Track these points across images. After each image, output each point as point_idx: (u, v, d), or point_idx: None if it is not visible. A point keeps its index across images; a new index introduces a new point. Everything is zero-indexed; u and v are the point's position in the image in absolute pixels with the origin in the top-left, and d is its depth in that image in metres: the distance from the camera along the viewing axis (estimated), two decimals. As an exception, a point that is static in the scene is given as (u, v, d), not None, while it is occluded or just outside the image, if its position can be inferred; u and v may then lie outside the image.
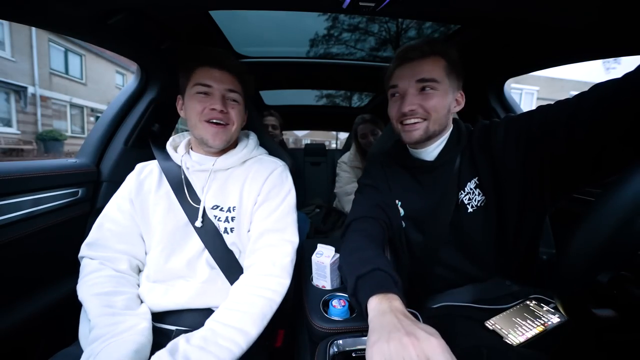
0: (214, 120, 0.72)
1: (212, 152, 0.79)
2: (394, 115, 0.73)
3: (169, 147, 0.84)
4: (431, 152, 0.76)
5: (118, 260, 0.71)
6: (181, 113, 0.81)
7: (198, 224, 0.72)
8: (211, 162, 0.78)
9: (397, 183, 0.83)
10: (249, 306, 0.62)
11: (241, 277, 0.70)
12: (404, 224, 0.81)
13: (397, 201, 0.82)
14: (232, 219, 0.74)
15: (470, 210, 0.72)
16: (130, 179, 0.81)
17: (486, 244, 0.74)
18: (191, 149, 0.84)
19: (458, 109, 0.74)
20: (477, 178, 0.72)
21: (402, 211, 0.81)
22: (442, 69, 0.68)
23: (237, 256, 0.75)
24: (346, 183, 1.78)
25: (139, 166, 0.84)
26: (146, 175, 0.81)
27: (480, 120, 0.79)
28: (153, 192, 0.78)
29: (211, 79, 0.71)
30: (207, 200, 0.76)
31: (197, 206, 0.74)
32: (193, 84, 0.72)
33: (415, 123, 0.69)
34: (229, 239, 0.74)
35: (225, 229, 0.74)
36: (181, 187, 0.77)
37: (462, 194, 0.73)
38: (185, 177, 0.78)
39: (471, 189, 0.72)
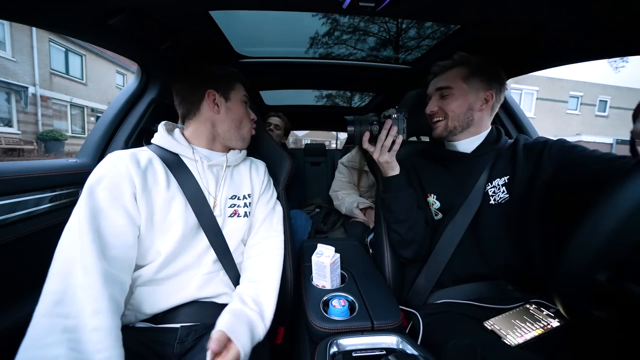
0: (253, 125, 0.92)
1: (220, 149, 0.86)
2: (428, 116, 0.89)
3: (172, 136, 0.78)
4: (468, 145, 0.86)
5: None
6: (213, 108, 0.81)
7: (217, 212, 0.77)
8: (221, 158, 0.82)
9: (431, 177, 0.90)
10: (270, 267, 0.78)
11: (253, 246, 0.83)
12: (440, 215, 0.87)
13: (432, 195, 0.88)
14: (250, 204, 0.85)
15: (492, 202, 0.79)
16: (127, 167, 0.66)
17: (500, 239, 0.78)
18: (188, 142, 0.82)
19: (489, 106, 0.83)
20: (507, 177, 0.79)
21: (437, 204, 0.87)
22: (459, 76, 0.81)
23: (233, 248, 0.78)
24: (339, 187, 1.84)
25: (126, 153, 0.70)
26: (146, 166, 0.70)
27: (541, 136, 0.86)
28: (164, 185, 0.70)
29: (246, 97, 0.89)
30: (223, 191, 0.80)
31: (213, 199, 0.78)
32: (241, 94, 0.87)
33: (437, 122, 0.85)
34: (244, 224, 0.82)
35: (245, 212, 0.83)
36: (192, 180, 0.75)
37: (488, 186, 0.80)
38: (190, 170, 0.77)
39: (498, 184, 0.79)
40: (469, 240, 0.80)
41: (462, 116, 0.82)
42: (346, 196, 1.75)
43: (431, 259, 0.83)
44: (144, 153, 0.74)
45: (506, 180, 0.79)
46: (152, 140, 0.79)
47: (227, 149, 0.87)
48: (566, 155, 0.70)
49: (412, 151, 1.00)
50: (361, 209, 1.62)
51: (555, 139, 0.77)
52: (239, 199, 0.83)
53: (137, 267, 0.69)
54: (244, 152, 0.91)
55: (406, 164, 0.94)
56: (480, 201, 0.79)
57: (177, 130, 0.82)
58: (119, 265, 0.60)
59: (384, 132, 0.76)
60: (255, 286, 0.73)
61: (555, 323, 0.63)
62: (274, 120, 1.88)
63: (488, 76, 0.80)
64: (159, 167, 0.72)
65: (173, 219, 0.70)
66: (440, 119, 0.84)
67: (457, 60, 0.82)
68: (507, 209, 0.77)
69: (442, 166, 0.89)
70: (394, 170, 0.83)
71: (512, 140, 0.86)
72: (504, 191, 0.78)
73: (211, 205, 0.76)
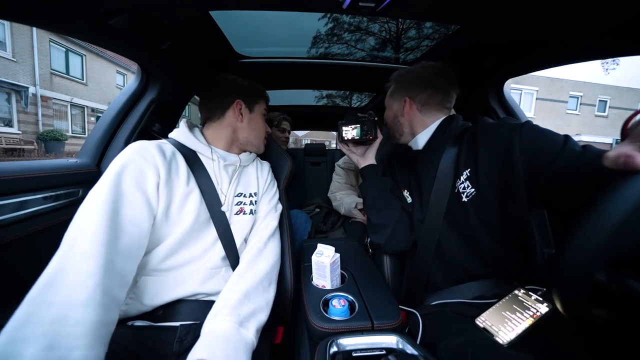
0: (266, 137, 1.00)
1: (236, 151, 0.91)
2: None
3: (193, 135, 0.83)
4: (416, 143, 0.92)
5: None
6: (238, 117, 0.88)
7: (224, 208, 0.80)
8: (234, 158, 0.88)
9: (403, 175, 0.97)
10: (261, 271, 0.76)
11: (250, 244, 0.83)
12: (416, 209, 0.89)
13: (405, 190, 0.94)
14: (256, 202, 0.89)
15: (464, 199, 0.75)
16: (153, 156, 0.67)
17: (483, 237, 0.74)
18: (207, 142, 0.86)
19: (410, 109, 0.89)
20: (469, 170, 0.75)
21: (409, 198, 0.92)
22: (389, 93, 0.97)
23: (238, 245, 0.81)
24: (337, 189, 1.85)
25: (152, 144, 0.71)
26: (171, 159, 0.73)
27: (484, 117, 0.82)
28: (185, 179, 0.73)
29: (266, 111, 0.98)
30: (231, 189, 0.84)
31: (223, 195, 0.81)
32: (263, 108, 0.95)
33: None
34: (249, 221, 0.85)
35: (251, 210, 0.87)
36: (207, 176, 0.79)
37: (458, 182, 0.77)
38: (205, 167, 0.80)
39: (463, 179, 0.77)
40: (454, 239, 0.78)
41: (392, 124, 0.96)
42: (345, 197, 1.75)
43: (417, 253, 0.85)
44: (167, 145, 0.76)
45: (468, 174, 0.75)
46: (171, 135, 0.83)
47: (241, 152, 0.93)
48: (541, 150, 0.63)
49: (390, 152, 1.12)
50: (360, 209, 1.62)
51: (521, 122, 0.69)
52: (245, 196, 0.87)
53: (144, 257, 0.69)
54: (253, 155, 0.97)
55: (385, 162, 1.05)
56: (452, 199, 0.78)
57: (197, 129, 0.88)
58: (129, 254, 0.58)
59: None
60: (239, 288, 0.68)
61: (544, 308, 0.63)
62: (287, 125, 1.85)
63: (406, 85, 0.90)
64: (181, 161, 0.76)
65: (187, 212, 0.73)
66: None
67: (391, 80, 0.96)
68: (477, 203, 0.73)
69: (410, 164, 0.97)
70: (364, 161, 0.96)
71: (470, 125, 0.83)
72: (469, 185, 0.75)
73: (222, 201, 0.80)
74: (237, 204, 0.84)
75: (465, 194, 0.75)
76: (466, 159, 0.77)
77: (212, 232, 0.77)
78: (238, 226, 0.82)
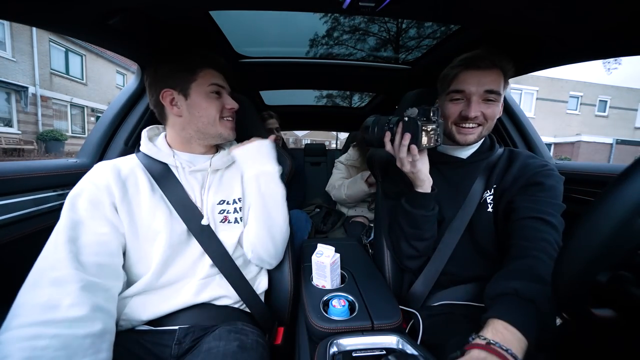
0: (229, 118, 0.79)
1: (202, 151, 0.80)
2: (453, 116, 0.76)
3: (152, 143, 0.76)
4: (466, 150, 0.83)
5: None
6: (173, 109, 0.72)
7: (205, 221, 0.73)
8: (205, 162, 0.78)
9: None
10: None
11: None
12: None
13: None
14: (240, 209, 0.80)
15: (489, 210, 0.77)
16: (106, 178, 0.65)
17: (497, 245, 0.76)
18: (169, 147, 0.77)
19: (500, 114, 0.78)
20: (495, 186, 0.78)
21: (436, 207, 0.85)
22: (501, 82, 0.73)
23: (231, 251, 0.76)
24: (335, 180, 1.84)
25: (108, 165, 0.69)
26: (127, 175, 0.69)
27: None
28: (147, 194, 0.69)
29: (221, 80, 0.76)
30: (209, 197, 0.76)
31: (200, 206, 0.75)
32: (207, 83, 0.73)
33: (472, 127, 0.75)
34: (236, 230, 0.78)
35: (236, 219, 0.79)
36: (179, 188, 0.73)
37: (487, 193, 0.78)
38: (177, 177, 0.74)
39: (491, 193, 0.78)
40: (468, 245, 0.78)
41: (492, 125, 0.77)
42: (346, 181, 1.74)
43: (429, 264, 0.82)
44: (127, 162, 0.72)
45: (492, 191, 0.78)
46: (141, 148, 0.76)
47: (214, 149, 0.84)
48: (531, 196, 0.70)
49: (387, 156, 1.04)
50: (366, 181, 1.60)
51: (554, 177, 0.72)
52: (228, 204, 0.79)
53: (131, 280, 0.68)
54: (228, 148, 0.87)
55: (383, 165, 0.97)
56: (476, 208, 0.78)
57: (160, 136, 0.79)
58: (103, 272, 0.59)
59: (397, 138, 0.68)
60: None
61: None
62: (274, 123, 1.78)
63: (507, 84, 0.77)
64: (141, 176, 0.71)
65: (157, 227, 0.68)
66: (476, 125, 0.74)
67: (500, 63, 0.72)
68: (496, 216, 0.76)
69: (436, 170, 0.83)
70: (423, 184, 0.73)
71: (508, 149, 0.85)
72: (491, 197, 0.78)
73: (206, 209, 0.75)
74: (220, 212, 0.77)
75: (492, 204, 0.77)
76: (499, 177, 0.78)
77: (196, 247, 0.72)
78: (225, 235, 0.76)
